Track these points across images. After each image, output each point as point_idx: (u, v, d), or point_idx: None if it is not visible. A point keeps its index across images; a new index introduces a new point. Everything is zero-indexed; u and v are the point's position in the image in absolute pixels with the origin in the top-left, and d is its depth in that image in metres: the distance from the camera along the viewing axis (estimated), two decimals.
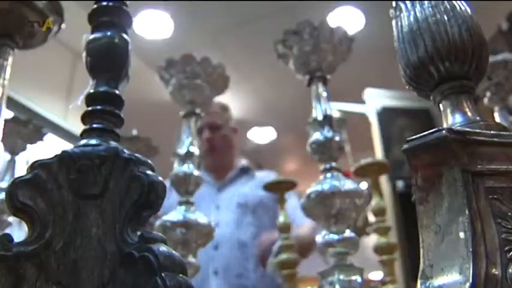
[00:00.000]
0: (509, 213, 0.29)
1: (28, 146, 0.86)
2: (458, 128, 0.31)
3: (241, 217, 1.59)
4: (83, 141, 0.33)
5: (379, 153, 3.22)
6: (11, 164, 0.82)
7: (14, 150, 0.84)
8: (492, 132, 0.31)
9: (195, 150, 0.60)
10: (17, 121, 0.84)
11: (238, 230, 1.55)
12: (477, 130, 0.31)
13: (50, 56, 3.21)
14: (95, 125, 0.33)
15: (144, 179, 0.31)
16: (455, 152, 0.30)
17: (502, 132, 0.32)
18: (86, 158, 0.31)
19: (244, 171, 1.77)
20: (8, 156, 0.83)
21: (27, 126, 0.85)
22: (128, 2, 0.40)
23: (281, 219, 0.79)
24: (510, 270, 0.28)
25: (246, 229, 1.56)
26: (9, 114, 0.84)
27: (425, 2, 0.38)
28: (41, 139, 0.87)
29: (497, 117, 0.66)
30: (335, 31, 0.59)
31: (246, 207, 1.63)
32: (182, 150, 0.60)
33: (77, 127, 3.31)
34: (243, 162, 1.81)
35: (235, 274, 1.45)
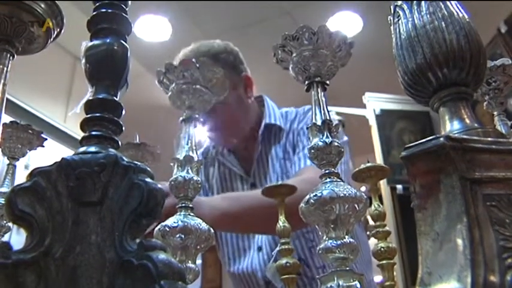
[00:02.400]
0: (507, 220, 0.30)
1: (28, 151, 0.85)
2: (456, 135, 0.31)
3: None
4: (82, 149, 0.33)
5: (378, 157, 3.22)
6: (11, 169, 0.82)
7: (13, 156, 0.83)
8: (490, 139, 0.31)
9: (194, 155, 0.60)
10: (16, 126, 0.84)
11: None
12: (475, 137, 0.32)
13: (50, 60, 3.22)
14: (94, 132, 0.33)
15: (143, 187, 0.31)
16: (453, 159, 0.30)
17: (499, 140, 0.32)
18: (85, 165, 0.31)
19: (269, 134, 1.37)
20: (7, 162, 0.83)
21: (27, 131, 0.84)
22: (126, 9, 0.40)
23: (280, 223, 0.79)
24: (508, 277, 0.28)
25: (301, 243, 1.28)
26: (8, 118, 0.84)
27: (423, 9, 0.38)
28: (41, 144, 0.87)
29: (496, 122, 0.66)
30: (334, 36, 0.59)
31: None
32: (181, 155, 0.60)
33: (76, 129, 3.32)
34: (265, 119, 1.36)
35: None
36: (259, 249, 1.32)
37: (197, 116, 0.63)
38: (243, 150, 1.40)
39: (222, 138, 1.37)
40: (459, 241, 0.28)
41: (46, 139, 0.86)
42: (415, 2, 0.40)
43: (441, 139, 0.30)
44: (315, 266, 1.22)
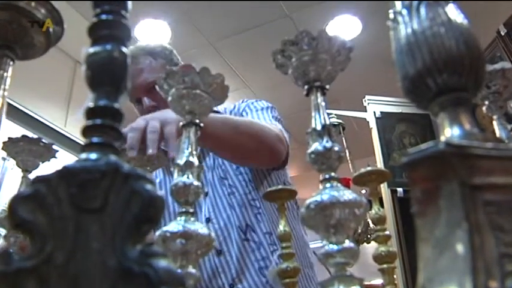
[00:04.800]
0: (507, 226, 0.30)
1: (40, 163, 0.87)
2: (456, 141, 0.31)
3: (233, 198, 1.36)
4: (83, 156, 0.33)
5: (379, 159, 3.22)
6: (25, 181, 0.84)
7: (26, 168, 0.85)
8: (490, 145, 0.31)
9: (195, 160, 0.60)
10: (28, 139, 0.86)
11: (240, 216, 1.34)
12: (475, 143, 0.32)
13: (51, 64, 3.22)
14: (94, 140, 0.33)
15: (144, 194, 0.31)
16: (453, 165, 0.30)
17: (500, 145, 0.32)
18: (86, 172, 0.31)
19: None
20: (21, 174, 0.85)
21: (38, 144, 0.86)
22: (126, 15, 0.40)
23: (281, 227, 0.79)
24: (508, 283, 0.28)
25: (247, 210, 1.34)
26: (9, 123, 0.85)
27: (423, 14, 0.39)
28: (53, 156, 0.88)
29: (495, 126, 0.66)
30: (334, 41, 0.59)
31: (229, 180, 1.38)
32: (182, 160, 0.60)
33: (76, 133, 3.32)
34: None
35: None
36: (208, 220, 1.36)
37: (197, 121, 0.63)
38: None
39: None
40: (459, 247, 0.29)
41: (58, 151, 0.88)
42: (414, 7, 0.40)
43: (441, 145, 0.30)
44: (262, 232, 1.32)
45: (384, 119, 3.40)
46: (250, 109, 1.47)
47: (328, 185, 0.53)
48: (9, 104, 0.65)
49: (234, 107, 1.53)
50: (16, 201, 0.31)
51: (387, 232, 0.79)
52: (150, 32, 3.28)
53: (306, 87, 0.60)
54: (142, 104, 1.40)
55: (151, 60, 1.43)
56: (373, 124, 3.38)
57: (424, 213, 0.31)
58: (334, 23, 3.38)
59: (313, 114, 0.58)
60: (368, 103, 3.44)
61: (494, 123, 0.66)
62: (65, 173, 0.32)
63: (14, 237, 0.82)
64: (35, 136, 0.88)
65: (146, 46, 1.47)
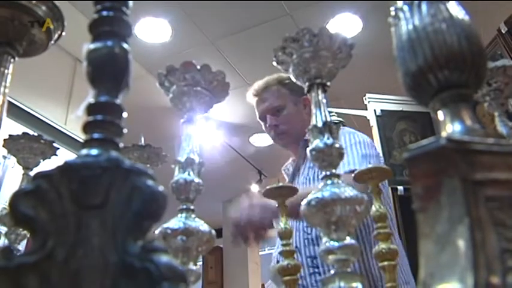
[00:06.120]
0: (508, 222, 0.30)
1: (41, 161, 0.87)
2: (458, 137, 0.31)
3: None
4: (84, 152, 0.33)
5: None
6: (26, 178, 0.84)
7: (27, 166, 0.85)
8: (491, 141, 0.31)
9: (196, 157, 0.60)
10: (28, 137, 0.86)
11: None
12: (476, 139, 0.32)
13: (51, 61, 3.22)
14: (95, 136, 0.33)
15: (146, 189, 0.31)
16: (454, 161, 0.30)
17: (501, 141, 0.32)
18: (87, 168, 0.31)
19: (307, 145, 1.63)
20: (22, 172, 0.85)
21: (39, 141, 0.86)
22: (127, 11, 0.40)
23: (281, 225, 0.79)
24: (510, 278, 0.28)
25: (300, 235, 1.49)
26: (9, 121, 0.85)
27: (424, 11, 0.39)
28: (54, 153, 0.88)
29: (497, 123, 0.66)
30: (334, 38, 0.59)
31: None
32: (182, 157, 0.60)
33: (77, 131, 3.32)
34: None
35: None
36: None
37: (197, 118, 0.63)
38: (297, 160, 1.71)
39: (283, 140, 1.73)
40: (461, 243, 0.29)
41: (58, 148, 0.88)
42: (415, 3, 0.40)
43: (442, 141, 0.30)
44: (305, 255, 1.46)
45: (384, 117, 3.40)
46: (345, 142, 1.56)
47: (329, 181, 0.53)
48: (9, 102, 0.65)
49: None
50: (17, 197, 0.31)
51: (388, 230, 0.79)
52: (151, 30, 3.28)
53: (306, 84, 0.59)
54: (267, 121, 1.72)
55: (280, 88, 1.74)
56: (373, 122, 3.38)
57: (425, 209, 0.31)
58: (335, 21, 3.38)
59: (314, 111, 0.58)
60: (368, 101, 3.43)
61: (496, 120, 0.66)
62: (66, 168, 0.32)
63: (15, 234, 0.82)
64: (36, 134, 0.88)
65: (278, 76, 1.75)
